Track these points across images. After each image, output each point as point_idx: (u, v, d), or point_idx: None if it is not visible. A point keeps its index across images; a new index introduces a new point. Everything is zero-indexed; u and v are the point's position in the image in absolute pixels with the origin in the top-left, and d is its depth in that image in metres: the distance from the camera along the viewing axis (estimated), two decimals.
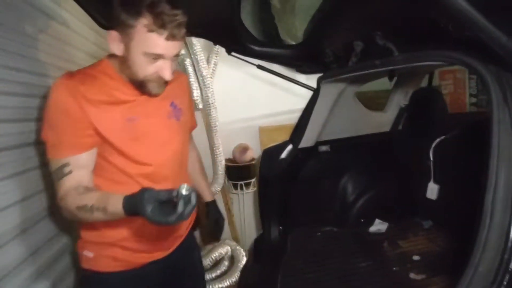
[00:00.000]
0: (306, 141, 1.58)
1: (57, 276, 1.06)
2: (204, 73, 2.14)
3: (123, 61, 0.87)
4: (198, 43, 2.12)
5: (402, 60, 0.99)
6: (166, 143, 0.97)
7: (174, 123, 1.01)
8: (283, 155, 1.59)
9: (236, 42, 1.41)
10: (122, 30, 0.82)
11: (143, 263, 0.99)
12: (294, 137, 1.59)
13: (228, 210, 2.48)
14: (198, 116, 2.30)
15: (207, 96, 2.17)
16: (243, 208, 2.46)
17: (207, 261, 2.20)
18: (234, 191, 2.37)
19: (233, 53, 1.46)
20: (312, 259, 1.48)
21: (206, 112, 2.22)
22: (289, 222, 1.65)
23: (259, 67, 1.52)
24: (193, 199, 0.71)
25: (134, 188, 0.77)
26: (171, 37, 0.80)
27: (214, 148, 2.26)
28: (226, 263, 2.27)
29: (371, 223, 1.72)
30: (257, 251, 1.67)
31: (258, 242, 1.69)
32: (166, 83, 0.90)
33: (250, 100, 2.43)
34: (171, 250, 1.05)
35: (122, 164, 0.88)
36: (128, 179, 0.89)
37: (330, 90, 1.48)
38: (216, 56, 2.25)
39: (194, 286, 1.21)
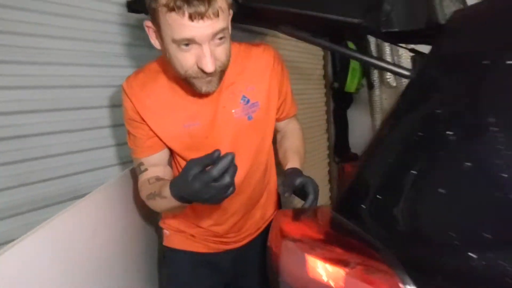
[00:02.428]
0: None
1: None
2: (400, 52, 2.20)
3: (166, 58, 0.74)
4: None
5: None
6: (236, 150, 0.79)
7: (245, 124, 0.85)
8: None
9: None
10: (151, 17, 0.70)
11: (217, 249, 0.98)
12: None
13: None
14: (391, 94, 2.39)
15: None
16: None
17: None
18: None
19: None
20: None
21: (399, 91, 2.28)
22: None
23: None
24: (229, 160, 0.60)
25: None
26: (197, 15, 0.62)
27: None
28: None
29: None
30: None
31: None
32: (219, 78, 0.74)
33: None
34: (246, 241, 1.00)
35: None
36: None
37: None
38: None
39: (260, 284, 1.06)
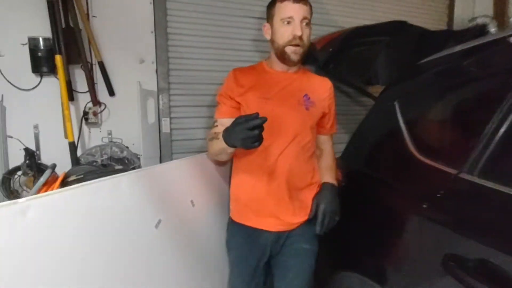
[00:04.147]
0: None
1: None
2: None
3: (271, 43, 1.19)
4: None
5: None
6: (289, 123, 1.16)
7: (302, 110, 1.18)
8: None
9: None
10: (269, 18, 1.19)
11: (259, 227, 1.20)
12: None
13: None
14: None
15: None
16: None
17: None
18: None
19: None
20: None
21: None
22: None
23: None
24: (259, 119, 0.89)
25: (251, 153, 1.16)
26: (296, 0, 1.10)
27: None
28: None
29: None
30: None
31: None
32: (302, 53, 1.15)
33: None
34: (283, 229, 1.20)
35: None
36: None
37: None
38: None
39: (295, 274, 1.22)
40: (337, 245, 1.18)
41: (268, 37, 1.20)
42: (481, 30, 2.75)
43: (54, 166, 1.47)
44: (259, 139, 0.90)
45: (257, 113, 0.90)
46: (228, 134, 0.98)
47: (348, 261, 1.19)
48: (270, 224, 1.18)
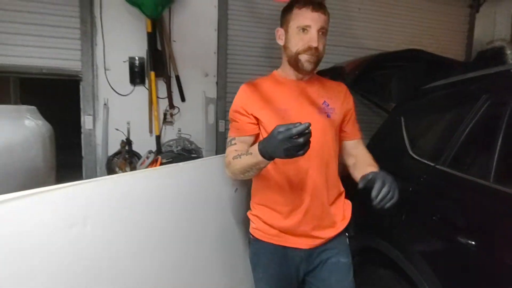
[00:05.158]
0: None
1: None
2: None
3: (284, 49, 1.12)
4: None
5: None
6: (314, 133, 0.92)
7: (324, 118, 1.12)
8: None
9: None
10: (284, 23, 1.12)
11: (288, 245, 1.13)
12: None
13: None
14: None
15: None
16: None
17: None
18: None
19: None
20: None
21: None
22: None
23: None
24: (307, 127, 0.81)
25: (277, 164, 1.07)
26: (315, 9, 1.05)
27: None
28: None
29: None
30: None
31: None
32: (316, 61, 1.08)
33: None
34: (314, 244, 1.13)
35: None
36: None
37: None
38: None
39: None
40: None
41: (281, 42, 1.13)
42: (498, 52, 3.13)
43: (151, 151, 2.05)
44: (303, 148, 0.84)
45: (298, 122, 0.83)
46: (267, 146, 0.90)
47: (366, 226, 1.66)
48: (302, 242, 1.12)
